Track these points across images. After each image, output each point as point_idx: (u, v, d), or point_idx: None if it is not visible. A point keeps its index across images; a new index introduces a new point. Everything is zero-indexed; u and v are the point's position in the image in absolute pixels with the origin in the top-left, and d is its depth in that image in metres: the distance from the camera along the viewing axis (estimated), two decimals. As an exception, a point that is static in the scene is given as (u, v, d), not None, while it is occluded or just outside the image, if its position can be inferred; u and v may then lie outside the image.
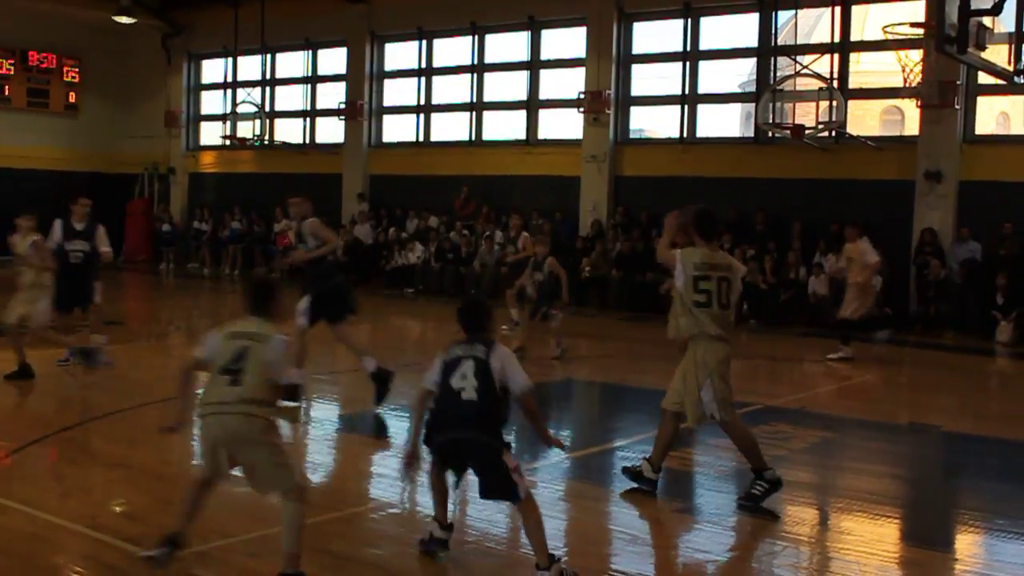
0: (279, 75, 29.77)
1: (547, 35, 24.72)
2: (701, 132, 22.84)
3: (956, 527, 7.94)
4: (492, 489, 6.21)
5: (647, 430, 10.42)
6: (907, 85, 19.11)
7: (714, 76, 23.44)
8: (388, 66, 27.58)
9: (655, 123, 24.92)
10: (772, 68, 22.06)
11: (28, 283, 11.82)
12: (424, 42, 26.56)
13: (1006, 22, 12.03)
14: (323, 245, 10.96)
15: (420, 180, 25.97)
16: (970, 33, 10.81)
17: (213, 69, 31.67)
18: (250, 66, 29.71)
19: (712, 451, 9.49)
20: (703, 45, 22.63)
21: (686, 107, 22.71)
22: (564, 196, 23.46)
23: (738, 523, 7.48)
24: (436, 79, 26.66)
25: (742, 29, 22.43)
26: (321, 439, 10.08)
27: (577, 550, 6.81)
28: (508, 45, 25.54)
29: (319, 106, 28.91)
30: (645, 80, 23.81)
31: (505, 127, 25.45)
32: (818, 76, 20.06)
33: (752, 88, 22.96)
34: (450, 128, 26.44)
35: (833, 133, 20.07)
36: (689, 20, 22.42)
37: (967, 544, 7.58)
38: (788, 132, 20.00)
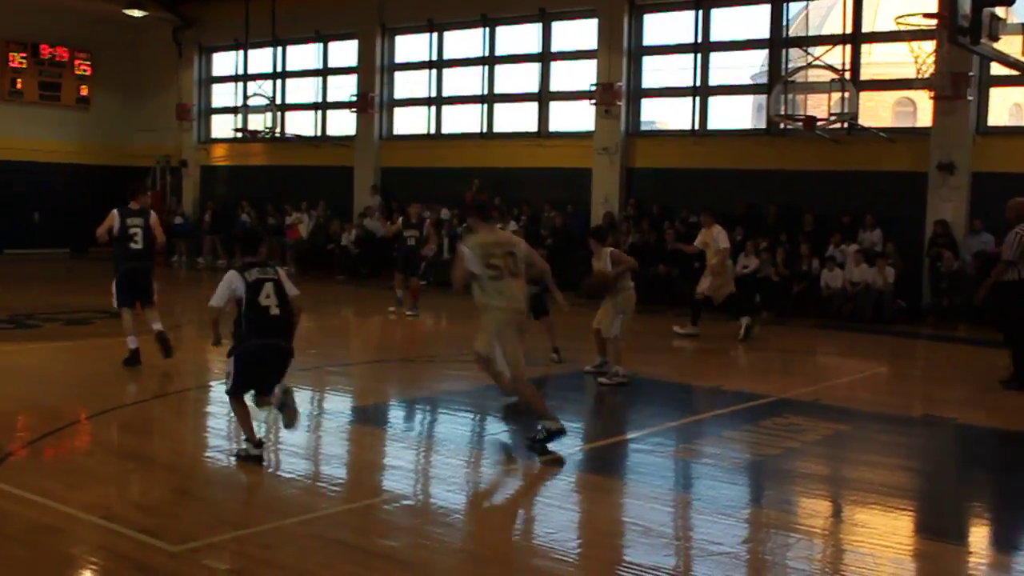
0: (290, 68, 29.78)
1: (558, 27, 24.68)
2: (713, 124, 22.78)
3: (970, 520, 7.91)
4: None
5: (659, 422, 10.47)
6: (920, 76, 19.02)
7: (725, 68, 23.40)
8: (399, 58, 27.57)
9: (666, 115, 24.87)
10: (784, 59, 21.98)
11: None
12: (435, 34, 26.54)
13: (1019, 13, 12.00)
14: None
15: (432, 172, 25.96)
16: (983, 24, 10.78)
17: (224, 62, 31.70)
18: (261, 59, 29.72)
19: (725, 443, 9.49)
20: (714, 36, 22.58)
21: (697, 99, 22.67)
22: (576, 188, 23.43)
23: (752, 515, 7.48)
24: (447, 71, 26.65)
25: (753, 20, 22.36)
26: (335, 431, 10.09)
27: (591, 541, 6.81)
28: (519, 37, 25.52)
29: (330, 99, 28.91)
30: (656, 72, 23.78)
31: (517, 119, 25.42)
32: (830, 67, 20.01)
33: (764, 80, 22.89)
34: (462, 120, 26.43)
35: (845, 125, 20.02)
36: (700, 11, 22.37)
37: (981, 537, 7.56)
38: (800, 124, 19.94)
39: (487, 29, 25.49)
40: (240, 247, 9.18)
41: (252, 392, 8.30)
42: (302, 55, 29.61)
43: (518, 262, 8.96)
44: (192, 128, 31.73)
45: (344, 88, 28.20)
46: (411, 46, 27.30)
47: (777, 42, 21.86)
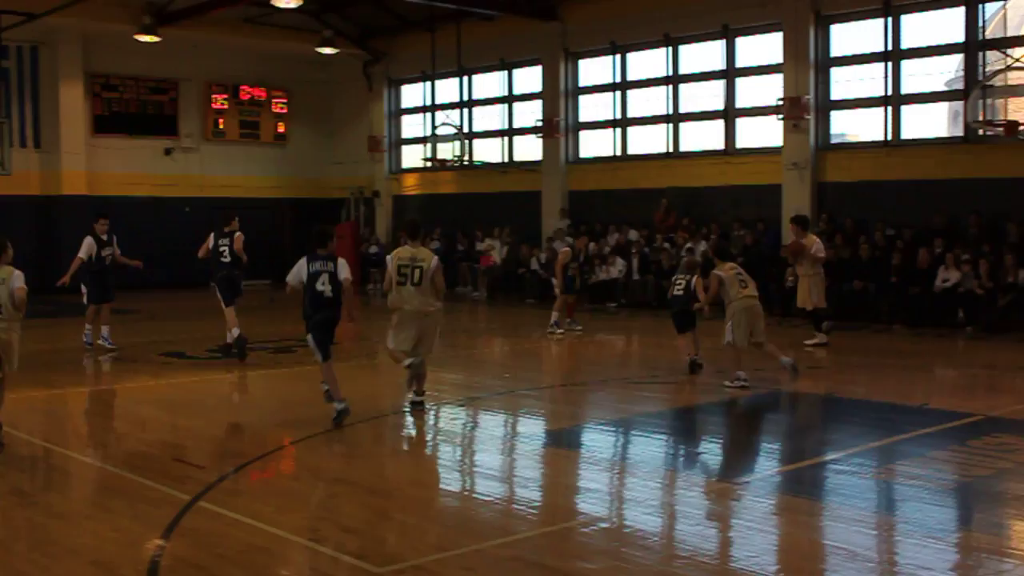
0: (476, 96, 30.32)
1: (742, 42, 24.39)
2: (906, 134, 22.09)
3: None
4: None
5: (860, 442, 10.18)
6: None
7: (918, 75, 22.61)
8: (583, 82, 27.73)
9: (857, 127, 24.20)
10: (981, 63, 21.14)
11: None
12: (618, 56, 26.60)
13: None
14: None
15: (619, 194, 25.99)
16: None
17: (412, 93, 32.51)
18: (448, 88, 30.37)
19: (931, 463, 9.16)
20: (905, 43, 21.90)
21: (889, 108, 22.02)
22: (765, 205, 23.06)
23: (962, 539, 7.19)
24: (631, 92, 26.65)
25: (947, 23, 21.59)
26: (529, 454, 10.18)
27: (791, 566, 6.67)
28: (703, 55, 25.32)
29: (516, 125, 29.29)
30: (845, 83, 23.19)
31: (703, 137, 25.21)
32: (1031, 69, 19.17)
33: (959, 85, 22.04)
34: (647, 141, 26.36)
35: (1050, 129, 19.12)
36: (890, 18, 21.75)
37: None
38: (1000, 129, 19.14)
39: (670, 48, 25.39)
40: (314, 241, 10.93)
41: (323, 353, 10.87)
42: (487, 83, 30.10)
43: (423, 275, 11.13)
44: (383, 159, 32.61)
45: (529, 114, 28.54)
46: (595, 69, 27.43)
47: (973, 45, 21.05)
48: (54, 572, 6.56)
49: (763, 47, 23.91)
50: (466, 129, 29.17)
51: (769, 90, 23.36)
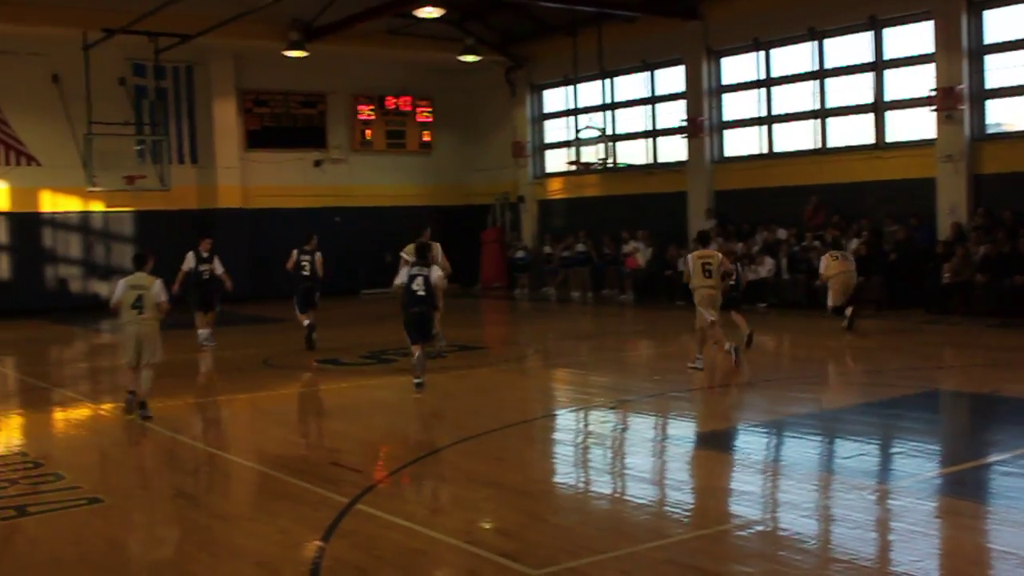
0: (618, 98, 30.22)
1: (890, 33, 23.74)
2: (1070, 121, 21.21)
3: None
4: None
5: (1026, 443, 9.79)
6: None
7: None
8: (726, 80, 27.40)
9: (1016, 116, 23.31)
10: None
11: None
12: (762, 53, 26.20)
13: None
14: None
15: (766, 192, 25.60)
16: None
17: (555, 98, 32.58)
18: (590, 92, 30.36)
19: (1104, 464, 8.78)
20: (1067, 26, 21.04)
21: (1050, 95, 21.17)
22: (918, 200, 22.41)
23: None
24: (776, 89, 26.21)
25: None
26: (680, 457, 10.11)
27: (957, 571, 6.48)
28: (849, 47, 24.72)
29: (659, 125, 29.10)
30: (1002, 70, 22.36)
31: (852, 132, 24.63)
32: None
33: None
34: (794, 137, 25.89)
35: None
36: (1050, 1, 20.91)
37: None
38: None
39: (816, 42, 24.90)
40: (416, 253, 13.48)
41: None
42: (630, 85, 29.98)
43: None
44: (527, 164, 32.76)
45: (673, 114, 28.32)
46: (738, 66, 27.06)
47: None
48: (220, 572, 6.79)
49: (913, 37, 23.24)
50: (609, 131, 29.11)
51: (920, 81, 22.69)
